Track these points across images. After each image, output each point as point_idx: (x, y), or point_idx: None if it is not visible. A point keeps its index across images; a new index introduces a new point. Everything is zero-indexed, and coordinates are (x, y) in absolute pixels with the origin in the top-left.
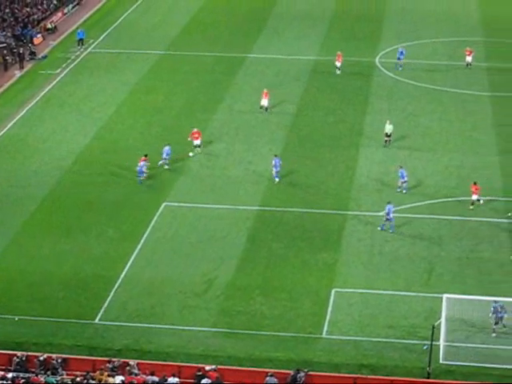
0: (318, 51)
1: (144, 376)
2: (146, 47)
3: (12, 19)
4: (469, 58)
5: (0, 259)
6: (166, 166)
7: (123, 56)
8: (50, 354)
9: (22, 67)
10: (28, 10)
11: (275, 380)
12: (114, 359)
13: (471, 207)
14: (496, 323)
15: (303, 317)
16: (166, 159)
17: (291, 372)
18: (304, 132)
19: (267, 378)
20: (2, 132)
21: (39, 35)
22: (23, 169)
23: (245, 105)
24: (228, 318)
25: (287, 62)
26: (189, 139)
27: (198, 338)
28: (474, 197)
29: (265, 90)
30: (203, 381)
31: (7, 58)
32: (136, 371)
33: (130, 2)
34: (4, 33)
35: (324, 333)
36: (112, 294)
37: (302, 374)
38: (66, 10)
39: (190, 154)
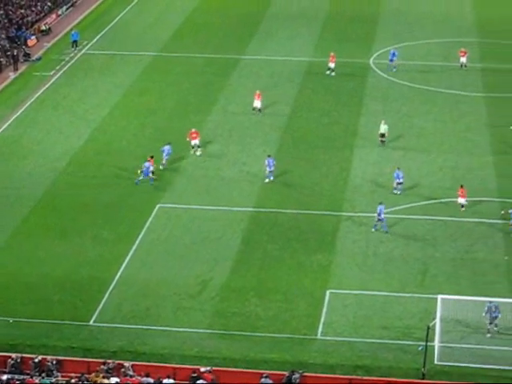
0: (313, 52)
1: (139, 378)
2: (140, 49)
3: (6, 21)
4: (463, 59)
5: None
6: (161, 166)
7: (117, 58)
8: (44, 356)
9: (16, 69)
10: (22, 11)
11: (270, 381)
12: (108, 361)
13: (463, 209)
14: (490, 323)
15: (298, 318)
16: (167, 159)
17: (286, 373)
18: (298, 133)
19: (262, 380)
20: None
21: (33, 37)
22: (17, 170)
23: (239, 106)
24: (223, 320)
25: (281, 63)
26: (187, 139)
27: (193, 340)
28: (461, 200)
29: (257, 92)
30: (198, 382)
31: (1, 59)
32: (131, 373)
33: (123, 3)
34: None
35: (319, 334)
36: (107, 295)
37: (297, 375)
38: (60, 12)
39: (198, 152)
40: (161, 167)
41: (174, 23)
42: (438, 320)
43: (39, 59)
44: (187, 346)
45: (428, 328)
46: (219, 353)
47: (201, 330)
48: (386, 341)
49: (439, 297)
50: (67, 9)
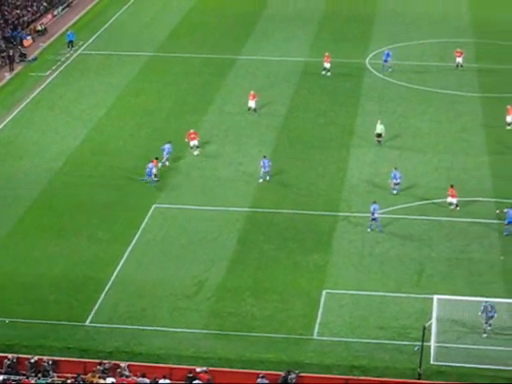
0: (309, 53)
1: (135, 378)
2: (136, 49)
3: (2, 21)
4: (459, 60)
5: None
6: (160, 165)
7: (113, 58)
8: (40, 357)
9: (11, 69)
10: (18, 12)
11: (266, 381)
12: (104, 361)
13: (457, 208)
14: (486, 322)
15: (294, 318)
16: (167, 157)
17: (282, 373)
18: (294, 133)
19: (258, 380)
20: None
21: (29, 37)
22: (13, 171)
23: (235, 106)
24: (219, 320)
25: (277, 63)
26: (186, 140)
27: (189, 340)
28: (451, 199)
29: (252, 92)
30: (194, 382)
31: None
32: (127, 373)
33: (119, 3)
34: None
35: (315, 334)
36: (103, 296)
37: (293, 375)
38: (55, 12)
39: (195, 152)
40: (160, 165)
41: (171, 23)
42: (433, 320)
43: (35, 59)
44: (183, 346)
45: (424, 328)
46: (215, 353)
47: (197, 331)
48: (382, 341)
49: (435, 297)
50: (63, 9)
